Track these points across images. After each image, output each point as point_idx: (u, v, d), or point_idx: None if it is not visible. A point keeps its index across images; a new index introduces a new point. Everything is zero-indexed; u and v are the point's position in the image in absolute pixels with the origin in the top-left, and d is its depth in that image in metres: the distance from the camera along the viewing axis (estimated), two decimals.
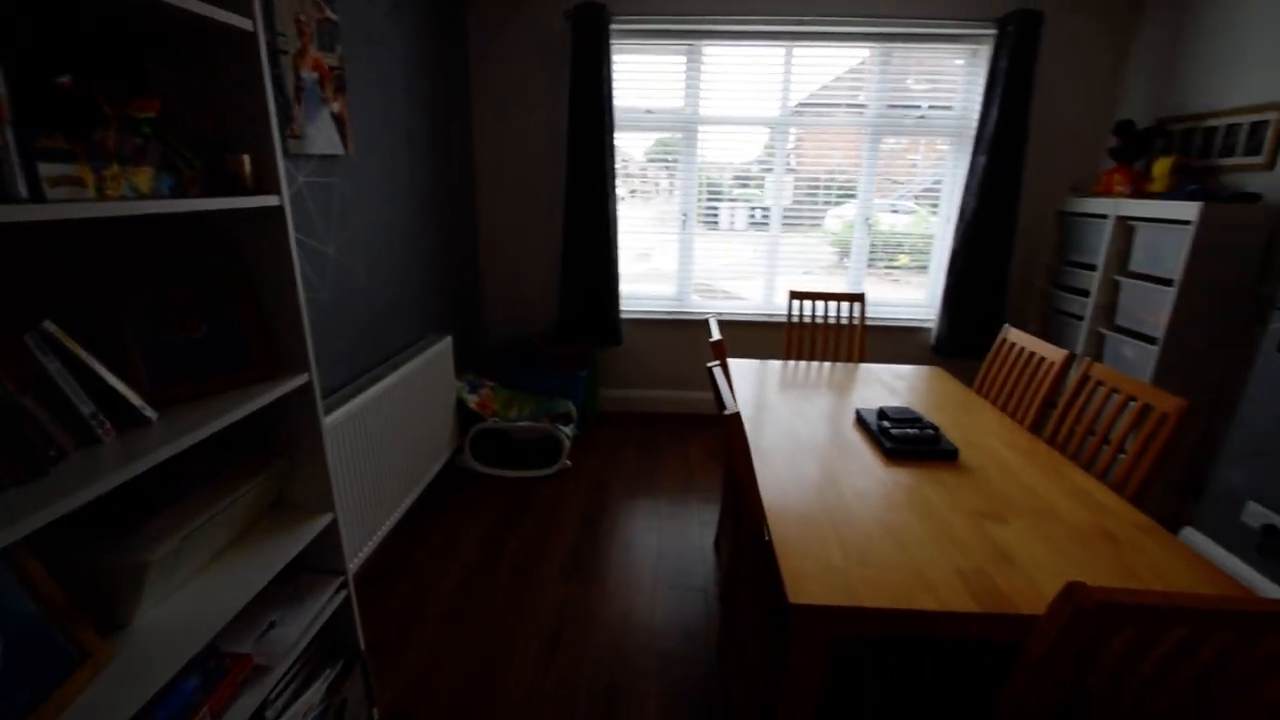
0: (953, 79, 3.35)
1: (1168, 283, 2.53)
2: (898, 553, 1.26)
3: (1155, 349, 2.52)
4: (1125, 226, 2.77)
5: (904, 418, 1.83)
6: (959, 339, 3.43)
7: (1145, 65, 3.06)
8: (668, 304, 3.73)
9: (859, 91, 3.38)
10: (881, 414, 1.87)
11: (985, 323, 3.39)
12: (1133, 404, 1.68)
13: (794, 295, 2.79)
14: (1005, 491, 1.51)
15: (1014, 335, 2.18)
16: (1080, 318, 3.00)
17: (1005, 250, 3.29)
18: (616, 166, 3.31)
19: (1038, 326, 3.36)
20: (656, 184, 3.64)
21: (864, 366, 2.51)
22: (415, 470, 2.62)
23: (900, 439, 1.71)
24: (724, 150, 3.49)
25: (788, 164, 3.50)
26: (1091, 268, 2.96)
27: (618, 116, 3.34)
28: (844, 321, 3.05)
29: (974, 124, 3.31)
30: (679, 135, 3.46)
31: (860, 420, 1.91)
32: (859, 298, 2.77)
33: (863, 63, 3.34)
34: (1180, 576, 1.20)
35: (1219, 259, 2.39)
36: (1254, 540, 2.17)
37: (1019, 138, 3.12)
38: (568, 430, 3.05)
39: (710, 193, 3.56)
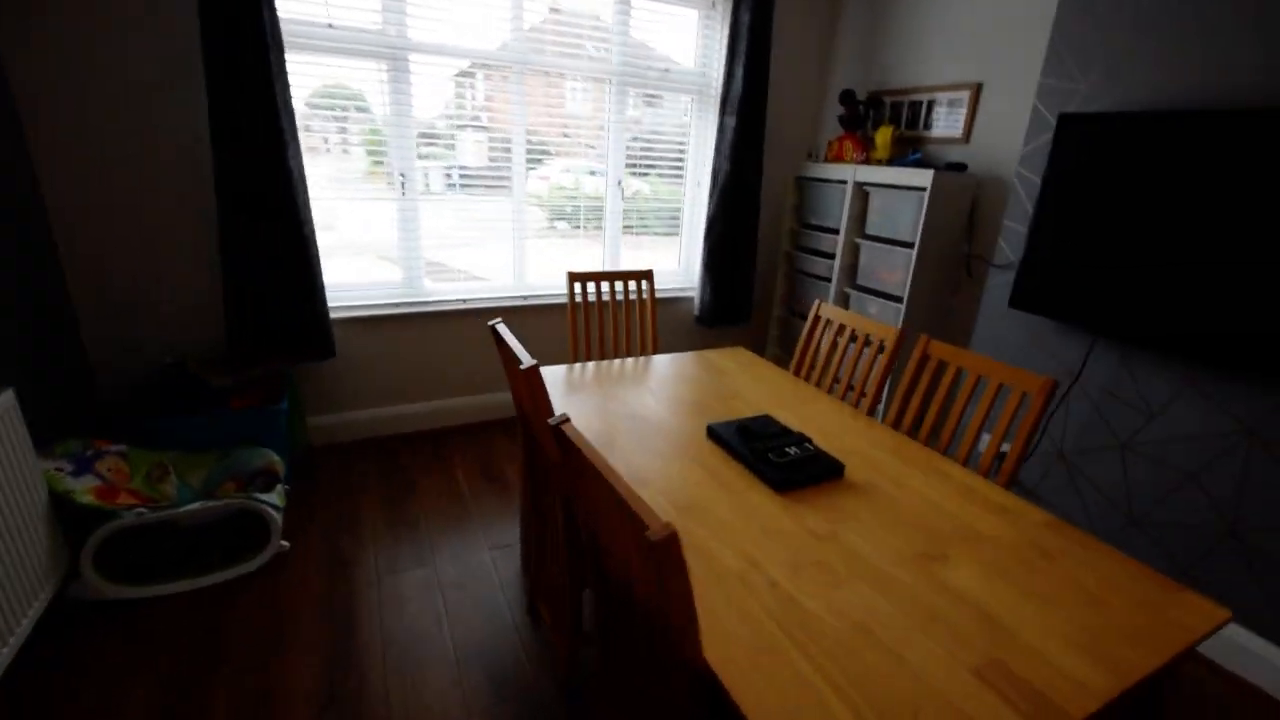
0: (691, 37, 3.13)
1: (903, 244, 2.74)
2: (880, 655, 0.90)
3: (901, 305, 2.72)
4: (862, 191, 2.92)
5: (769, 432, 1.50)
6: (721, 307, 3.36)
7: (853, 40, 3.26)
8: (391, 293, 2.84)
9: (604, 43, 2.92)
10: (744, 431, 1.51)
11: (740, 289, 3.37)
12: (984, 384, 1.63)
13: (575, 277, 2.27)
14: (917, 514, 1.29)
15: (829, 311, 2.05)
16: (825, 279, 3.15)
17: (754, 214, 3.27)
18: (291, 103, 2.27)
19: (785, 288, 3.47)
20: (325, 137, 2.61)
21: (669, 358, 2.15)
22: None
23: (786, 466, 1.37)
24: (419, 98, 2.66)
25: (479, 119, 2.84)
26: (832, 230, 3.11)
27: (287, 30, 2.29)
28: (631, 300, 2.65)
29: (717, 84, 3.17)
30: (379, 66, 2.54)
31: (718, 439, 1.53)
32: (647, 275, 2.39)
33: (599, 20, 2.88)
34: (1127, 584, 1.09)
35: (941, 221, 2.63)
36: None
37: (761, 99, 3.07)
38: (273, 497, 2.06)
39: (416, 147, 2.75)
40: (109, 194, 2.21)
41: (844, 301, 3.09)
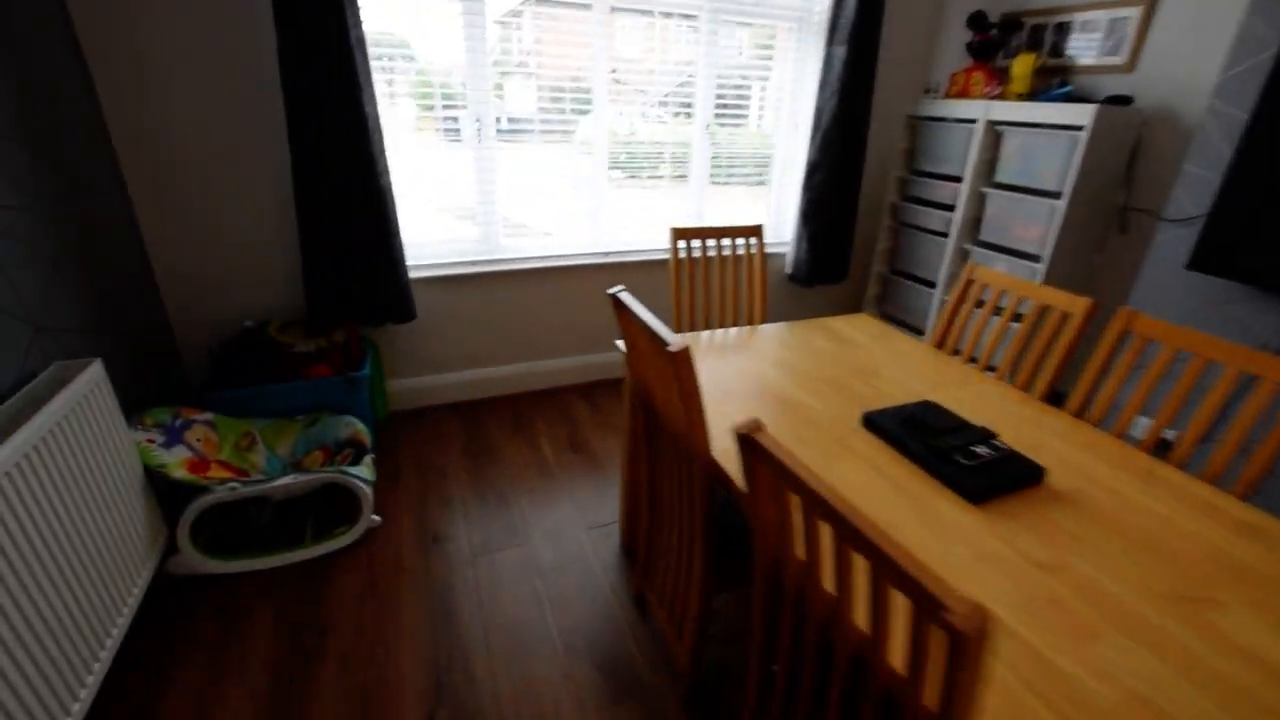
0: None
1: (1046, 194, 2.38)
2: None
3: (1041, 265, 2.38)
4: (994, 132, 2.55)
5: (944, 425, 1.27)
6: (819, 264, 3.06)
7: None
8: (468, 249, 2.66)
9: None
10: (912, 422, 1.28)
11: (839, 244, 3.06)
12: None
13: (679, 234, 2.02)
14: (1153, 536, 1.05)
15: (985, 275, 1.76)
16: (941, 233, 2.81)
17: (859, 159, 2.92)
18: (365, 39, 2.05)
19: (889, 243, 3.14)
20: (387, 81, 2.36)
21: (786, 327, 1.92)
22: (82, 626, 1.34)
23: (980, 470, 1.14)
24: (450, 45, 2.38)
25: (525, 64, 2.54)
26: (952, 178, 2.75)
27: None
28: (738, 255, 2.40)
29: (821, 8, 2.79)
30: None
31: (880, 432, 1.30)
32: (755, 230, 2.13)
33: None
34: None
35: (1098, 167, 2.26)
36: None
37: (876, 24, 2.68)
38: (363, 470, 1.95)
39: (443, 96, 2.47)
40: (181, 152, 2.07)
41: (962, 259, 2.76)
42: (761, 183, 3.14)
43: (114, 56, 1.91)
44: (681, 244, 2.03)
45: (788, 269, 3.17)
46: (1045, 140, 2.34)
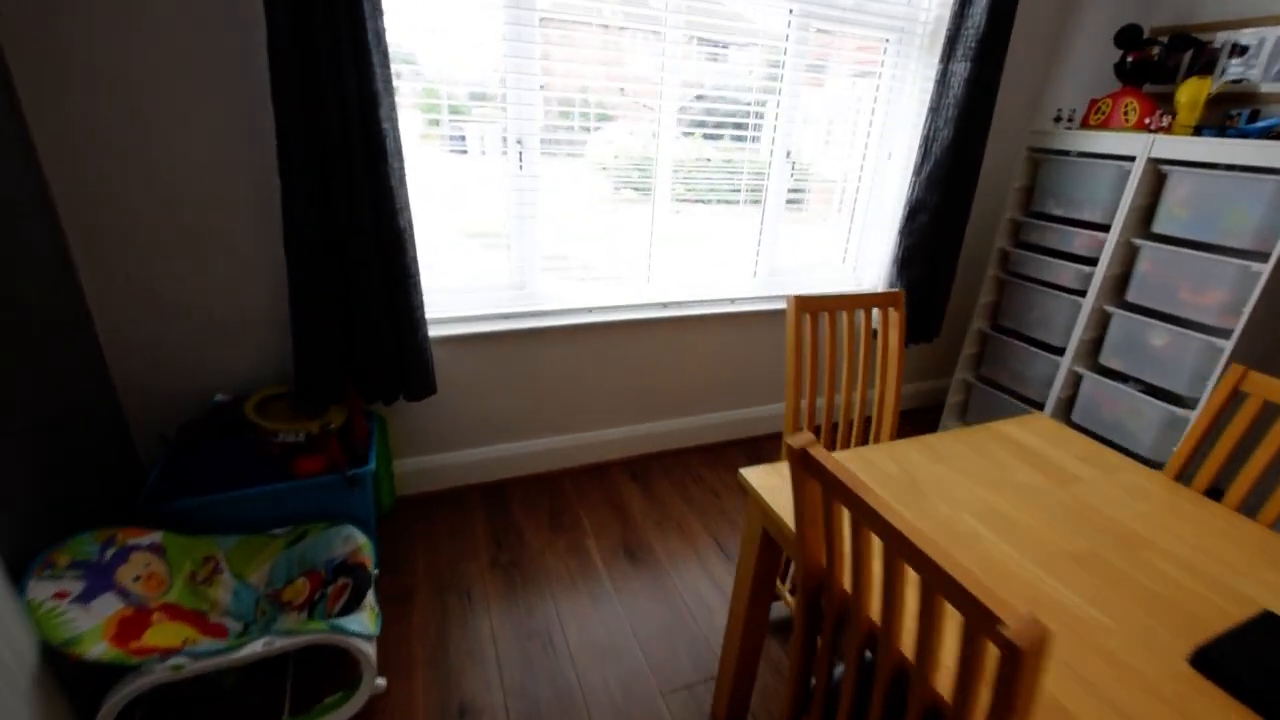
0: None
1: (1232, 252, 1.90)
2: None
3: (1227, 342, 1.89)
4: (1156, 173, 2.07)
5: None
6: (915, 320, 2.57)
7: None
8: (501, 298, 2.14)
9: None
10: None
11: (938, 296, 2.57)
12: None
13: (803, 305, 1.51)
14: None
15: (1259, 383, 1.25)
16: (1071, 291, 2.32)
17: (969, 198, 2.44)
18: (385, 32, 1.54)
19: (993, 297, 2.65)
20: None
21: (951, 438, 1.41)
22: None
23: None
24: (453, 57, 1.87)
25: (538, 79, 2.06)
26: (1088, 225, 2.27)
27: None
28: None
29: (929, 17, 2.32)
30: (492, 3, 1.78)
31: (1236, 689, 0.79)
32: (894, 299, 1.63)
33: None
34: None
35: None
36: None
37: (1004, 38, 2.21)
38: (362, 621, 1.41)
39: (453, 110, 1.97)
40: (132, 168, 1.54)
41: (1103, 322, 2.27)
42: (824, 214, 2.65)
43: (26, 43, 1.39)
44: (806, 317, 1.52)
45: (874, 324, 2.67)
46: (1236, 186, 1.86)
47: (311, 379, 1.72)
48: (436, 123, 1.89)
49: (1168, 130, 2.03)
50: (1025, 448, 1.37)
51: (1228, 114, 2.04)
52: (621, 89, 2.08)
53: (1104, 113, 2.22)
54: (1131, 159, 2.09)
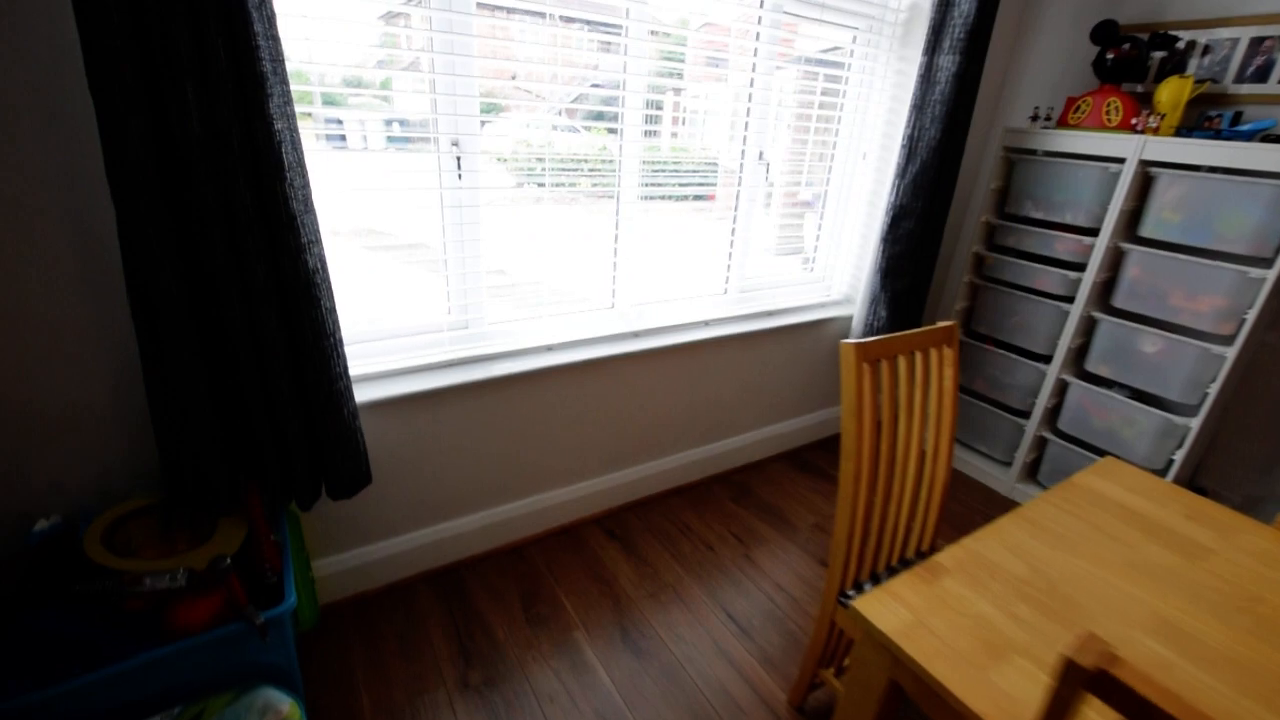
0: None
1: (1228, 257, 1.85)
2: None
3: (1227, 350, 1.84)
4: (1144, 175, 1.99)
5: None
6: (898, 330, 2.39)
7: None
8: (440, 342, 1.69)
9: None
10: None
11: (915, 303, 2.41)
12: None
13: (863, 353, 1.23)
14: None
15: None
16: (1054, 297, 2.23)
17: (948, 200, 2.29)
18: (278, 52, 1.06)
19: (967, 302, 2.54)
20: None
21: (1043, 505, 1.19)
22: None
23: None
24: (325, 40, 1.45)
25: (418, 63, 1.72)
26: (1071, 229, 2.18)
27: None
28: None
29: (903, 6, 2.12)
30: None
31: None
32: (948, 334, 1.38)
33: None
34: None
35: None
36: None
37: (987, 30, 2.04)
38: None
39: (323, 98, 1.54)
40: None
41: (1089, 329, 2.19)
42: (794, 217, 2.41)
43: None
44: (867, 367, 1.24)
45: (854, 338, 2.47)
46: (1230, 190, 1.81)
47: (187, 486, 1.21)
48: (309, 115, 1.39)
49: (1156, 131, 1.96)
50: (1130, 510, 1.18)
51: (1205, 115, 1.99)
52: (593, 84, 1.68)
53: (1084, 111, 2.12)
54: (1120, 160, 2.00)
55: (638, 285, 1.99)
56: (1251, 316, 1.79)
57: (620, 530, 2.08)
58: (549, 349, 1.83)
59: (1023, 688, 0.78)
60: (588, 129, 1.82)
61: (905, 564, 1.42)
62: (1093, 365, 2.20)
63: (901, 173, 2.16)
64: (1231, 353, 1.83)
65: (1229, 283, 1.84)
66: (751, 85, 1.94)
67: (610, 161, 1.79)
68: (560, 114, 1.73)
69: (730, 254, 2.16)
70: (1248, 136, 1.83)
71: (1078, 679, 0.53)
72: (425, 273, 1.65)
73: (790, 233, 2.40)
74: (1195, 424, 1.94)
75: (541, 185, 1.72)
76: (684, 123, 2.01)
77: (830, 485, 2.42)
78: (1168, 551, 1.07)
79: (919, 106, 2.08)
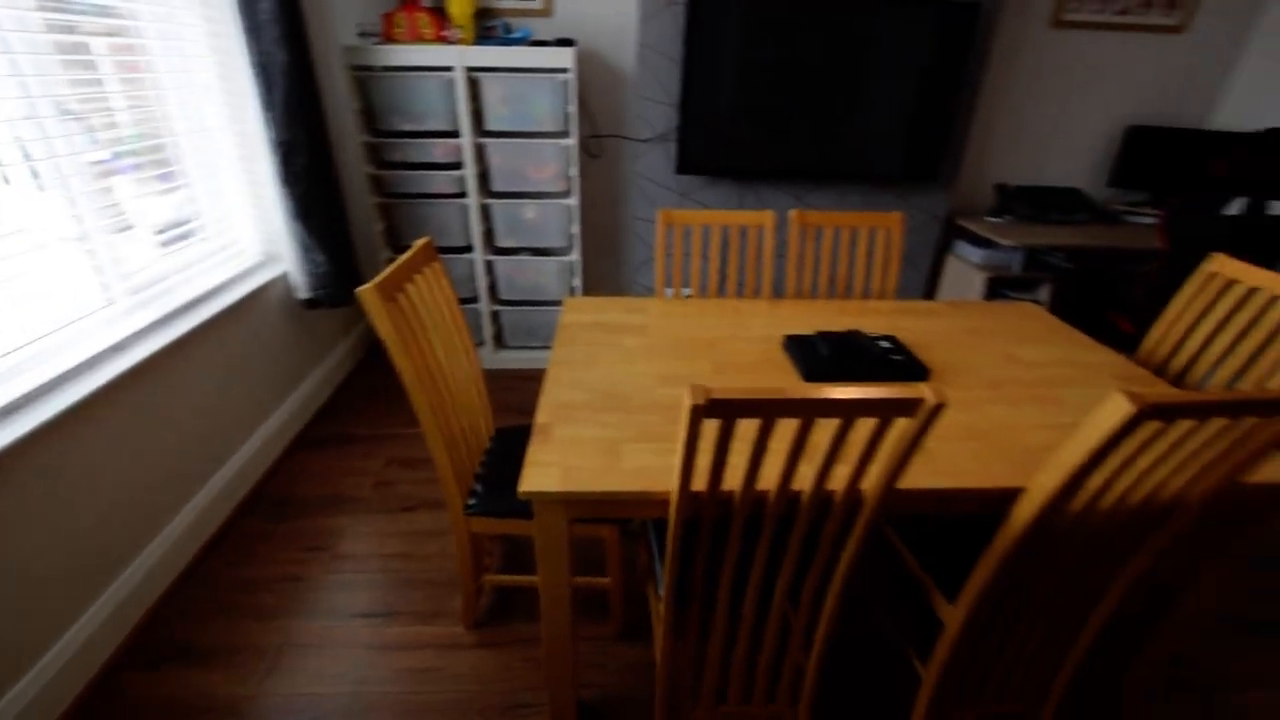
0: None
1: (547, 135, 2.51)
2: None
3: (570, 201, 2.58)
4: (472, 80, 2.40)
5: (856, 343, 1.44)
6: (341, 275, 2.32)
7: None
8: None
9: None
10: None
11: (347, 243, 2.38)
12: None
13: (385, 294, 1.19)
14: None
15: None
16: (454, 195, 2.57)
17: (324, 125, 2.23)
18: None
19: (383, 225, 2.64)
20: None
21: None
22: None
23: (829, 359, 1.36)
24: None
25: None
26: (440, 134, 2.48)
27: None
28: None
29: None
30: None
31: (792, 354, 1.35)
32: (429, 251, 1.46)
33: None
34: None
35: (586, 103, 2.53)
36: None
37: None
38: None
39: None
40: None
41: (487, 215, 2.65)
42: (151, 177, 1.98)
43: None
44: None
45: (301, 293, 2.27)
46: (532, 85, 2.41)
47: None
48: None
49: (464, 42, 2.36)
50: (600, 323, 1.64)
51: (485, 25, 2.51)
52: None
53: (403, 27, 2.34)
54: (450, 69, 2.35)
55: None
56: (574, 173, 2.53)
57: (166, 639, 1.54)
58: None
59: (646, 459, 1.09)
60: None
61: (487, 454, 1.60)
62: (501, 241, 2.71)
63: (269, 104, 1.97)
64: (574, 201, 2.58)
65: (552, 153, 2.53)
66: None
67: None
68: None
69: (92, 250, 1.58)
70: (519, 42, 2.42)
71: (699, 414, 0.82)
72: None
73: (149, 203, 1.90)
74: (576, 256, 2.70)
75: None
76: None
77: (360, 444, 2.34)
78: (634, 336, 1.57)
79: (254, 30, 1.88)
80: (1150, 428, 0.88)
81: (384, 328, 1.21)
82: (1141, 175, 2.94)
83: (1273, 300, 1.44)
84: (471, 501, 1.44)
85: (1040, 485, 0.96)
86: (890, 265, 1.91)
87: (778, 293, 2.83)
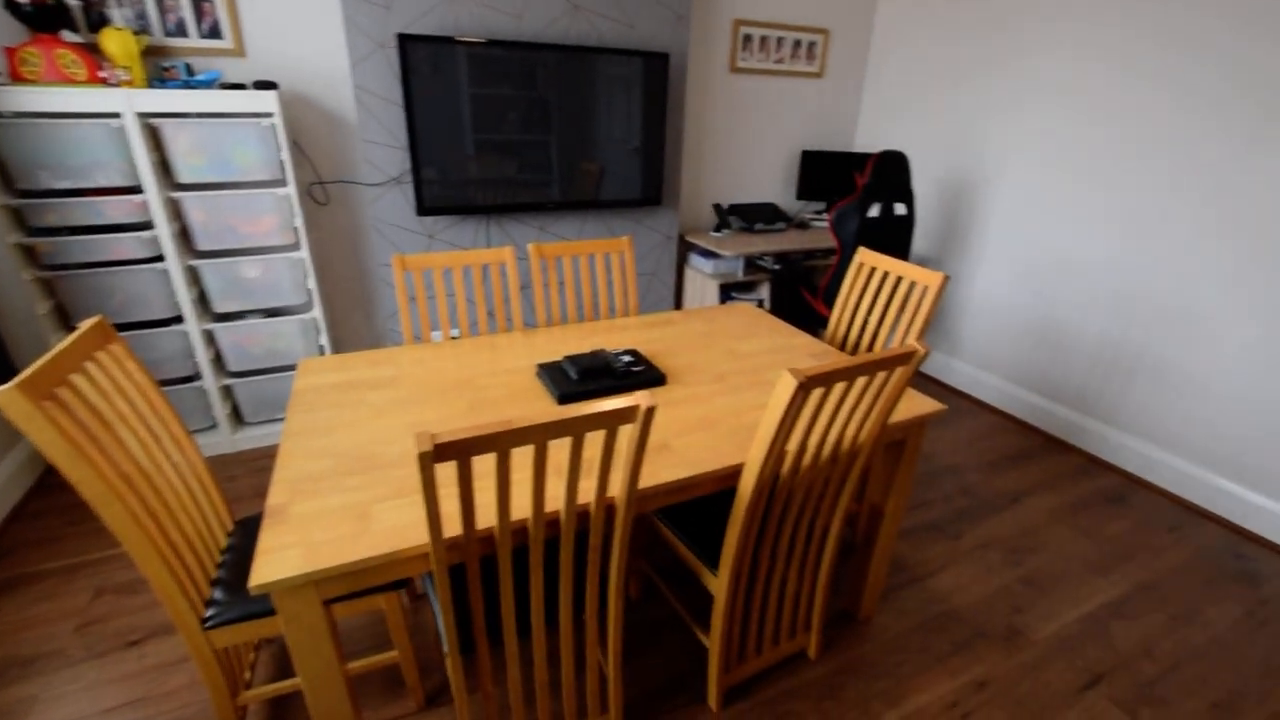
0: None
1: (259, 184, 2.28)
2: None
3: (301, 254, 2.36)
4: (150, 127, 2.07)
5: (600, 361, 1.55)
6: None
7: None
8: None
9: None
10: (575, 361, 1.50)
11: None
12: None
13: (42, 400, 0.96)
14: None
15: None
16: (141, 260, 2.19)
17: None
18: None
19: (51, 303, 2.13)
20: None
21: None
22: None
23: (577, 380, 1.50)
24: None
25: None
26: (103, 192, 2.09)
27: None
28: None
29: None
30: None
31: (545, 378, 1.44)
32: (105, 332, 1.22)
33: None
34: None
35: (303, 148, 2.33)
36: None
37: None
38: None
39: None
40: None
41: (196, 278, 2.30)
42: None
43: None
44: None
45: None
46: (230, 131, 2.15)
47: None
48: None
49: (131, 84, 2.03)
50: (341, 381, 1.53)
51: (161, 66, 2.18)
52: None
53: (36, 64, 1.94)
54: (116, 115, 2.01)
55: None
56: (299, 224, 2.33)
57: None
58: None
59: (400, 517, 1.05)
60: None
61: (226, 553, 1.40)
62: (220, 306, 2.37)
63: None
64: (304, 253, 2.37)
65: (269, 204, 2.29)
66: None
67: None
68: None
69: None
70: (208, 85, 2.16)
71: (429, 459, 0.82)
72: None
73: None
74: (318, 312, 2.48)
75: None
76: None
77: (48, 581, 1.85)
78: (382, 390, 1.49)
79: None
80: (817, 394, 1.10)
81: (40, 436, 0.99)
82: (817, 188, 3.63)
83: (898, 280, 1.89)
84: (210, 614, 1.24)
85: (753, 457, 1.13)
86: (629, 284, 2.09)
87: (530, 323, 2.91)
